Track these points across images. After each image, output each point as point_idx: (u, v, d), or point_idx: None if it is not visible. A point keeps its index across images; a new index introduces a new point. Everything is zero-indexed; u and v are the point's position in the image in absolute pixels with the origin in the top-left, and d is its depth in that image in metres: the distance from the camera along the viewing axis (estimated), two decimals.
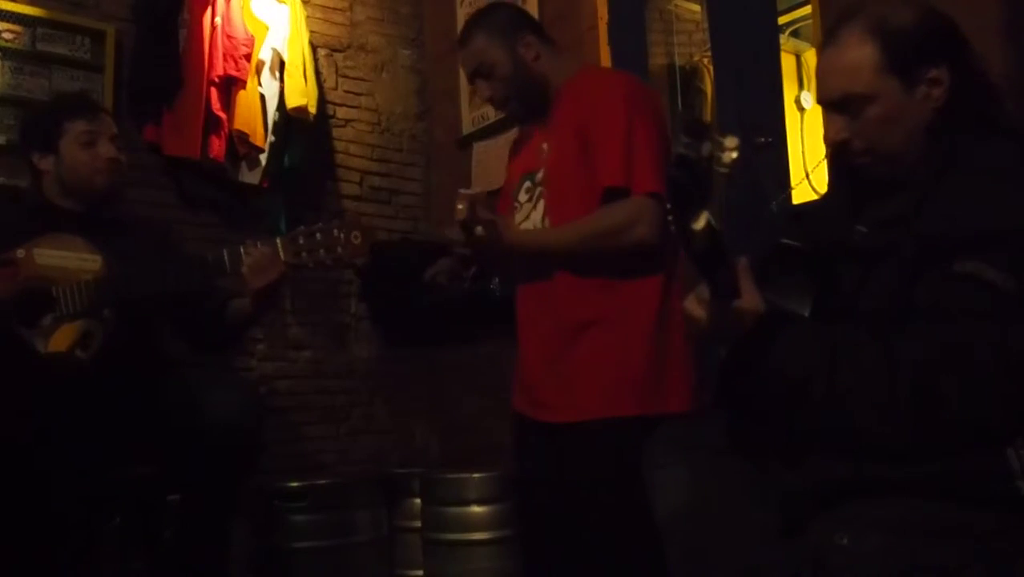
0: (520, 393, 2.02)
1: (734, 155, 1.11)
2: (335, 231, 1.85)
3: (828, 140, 1.30)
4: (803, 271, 1.29)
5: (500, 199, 2.18)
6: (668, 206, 1.08)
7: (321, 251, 1.85)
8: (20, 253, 1.88)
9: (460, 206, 1.71)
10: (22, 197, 2.16)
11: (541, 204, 1.95)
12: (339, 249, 1.85)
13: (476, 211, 1.71)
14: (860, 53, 1.24)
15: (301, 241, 1.86)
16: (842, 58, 1.27)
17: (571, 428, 1.84)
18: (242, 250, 1.89)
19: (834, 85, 1.28)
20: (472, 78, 2.03)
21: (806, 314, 1.25)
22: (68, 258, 1.90)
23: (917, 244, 1.16)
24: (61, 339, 1.86)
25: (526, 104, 2.00)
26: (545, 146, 1.97)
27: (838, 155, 1.32)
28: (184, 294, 2.02)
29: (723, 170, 1.10)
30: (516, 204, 2.05)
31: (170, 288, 1.96)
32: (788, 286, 1.26)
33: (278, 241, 1.88)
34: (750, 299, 1.17)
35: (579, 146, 1.88)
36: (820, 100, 1.31)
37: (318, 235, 1.86)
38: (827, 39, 1.31)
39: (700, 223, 1.04)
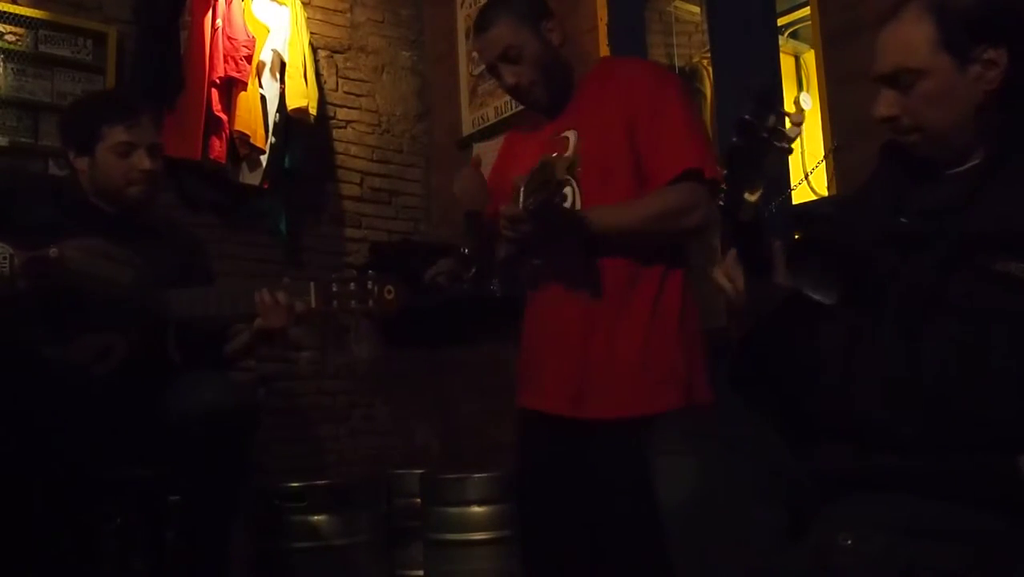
0: (542, 389, 1.93)
1: (799, 131, 1.08)
2: (369, 283, 1.89)
3: (878, 115, 1.28)
4: (829, 263, 1.28)
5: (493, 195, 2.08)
6: (724, 172, 1.06)
7: (352, 301, 1.89)
8: (53, 252, 1.78)
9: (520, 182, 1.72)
10: (61, 189, 2.10)
11: (570, 190, 1.85)
12: (370, 302, 1.89)
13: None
14: (916, 28, 1.23)
15: (335, 289, 1.89)
16: (898, 33, 1.26)
17: (617, 424, 1.79)
18: (265, 290, 1.89)
19: (888, 59, 1.27)
20: (493, 65, 1.92)
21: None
22: (100, 266, 1.82)
23: (960, 237, 1.14)
24: (82, 349, 1.84)
25: (552, 90, 1.91)
26: (570, 135, 1.89)
27: (888, 132, 1.31)
28: (204, 320, 2.00)
29: (784, 145, 1.07)
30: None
31: (197, 316, 1.95)
32: (813, 278, 1.25)
33: (312, 285, 1.91)
34: (783, 277, 1.17)
35: (625, 132, 1.83)
36: (874, 74, 1.29)
37: (352, 285, 1.89)
38: (890, 15, 1.30)
39: (755, 195, 1.02)
